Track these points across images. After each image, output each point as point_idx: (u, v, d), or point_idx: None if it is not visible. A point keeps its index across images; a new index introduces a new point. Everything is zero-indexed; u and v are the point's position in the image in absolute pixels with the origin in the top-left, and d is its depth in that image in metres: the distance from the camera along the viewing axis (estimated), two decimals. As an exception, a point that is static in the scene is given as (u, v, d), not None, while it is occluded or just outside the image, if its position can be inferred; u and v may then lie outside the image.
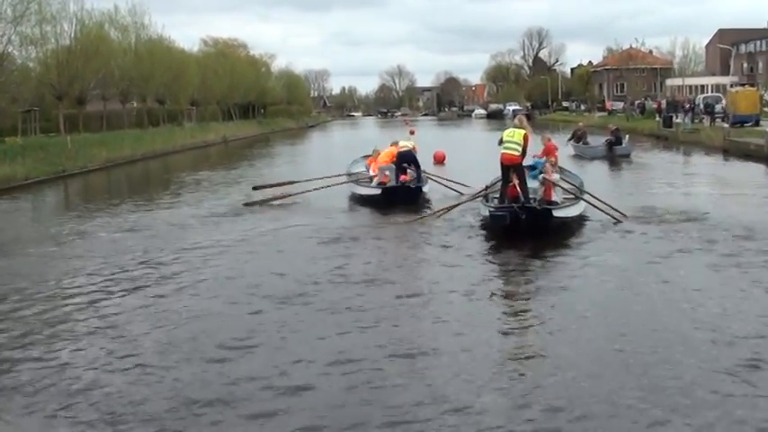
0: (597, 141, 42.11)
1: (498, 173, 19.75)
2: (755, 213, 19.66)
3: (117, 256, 15.91)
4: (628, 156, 39.31)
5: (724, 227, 17.27)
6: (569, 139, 41.08)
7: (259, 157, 50.85)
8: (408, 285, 13.04)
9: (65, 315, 11.55)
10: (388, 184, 23.51)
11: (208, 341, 10.01)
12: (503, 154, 18.18)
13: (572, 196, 19.76)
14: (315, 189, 24.24)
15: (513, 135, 18.16)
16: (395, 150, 24.08)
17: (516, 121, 19.32)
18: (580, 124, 48.19)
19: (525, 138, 18.23)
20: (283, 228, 19.25)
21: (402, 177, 23.49)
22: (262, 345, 9.86)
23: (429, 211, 20.92)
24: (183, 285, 13.22)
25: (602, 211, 18.74)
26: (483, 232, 17.78)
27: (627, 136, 42.47)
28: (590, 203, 19.11)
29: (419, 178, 23.79)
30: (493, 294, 12.50)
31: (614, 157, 38.81)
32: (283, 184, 25.50)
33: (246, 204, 23.54)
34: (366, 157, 28.66)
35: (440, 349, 9.56)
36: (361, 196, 23.60)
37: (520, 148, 18.07)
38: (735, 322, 10.31)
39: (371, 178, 25.07)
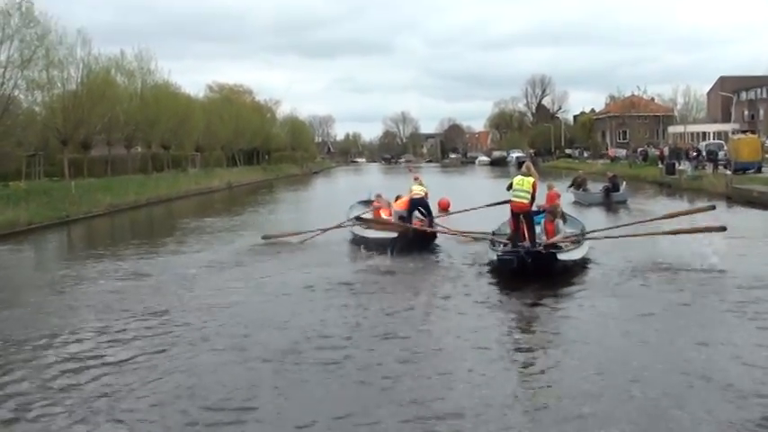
0: (597, 188, 42.62)
1: (502, 219, 21.84)
2: (761, 261, 19.65)
3: (115, 306, 15.76)
4: (624, 202, 39.83)
5: (729, 275, 17.34)
6: (570, 186, 41.55)
7: (263, 204, 50.86)
8: (418, 337, 12.83)
9: (57, 369, 11.37)
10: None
11: (203, 400, 9.72)
12: (513, 202, 19.31)
13: (575, 240, 20.47)
14: (325, 230, 25.55)
15: (523, 183, 19.20)
16: (408, 197, 24.63)
17: (524, 168, 20.26)
18: (580, 172, 49.37)
19: (534, 185, 19.28)
20: (290, 276, 19.15)
21: (415, 223, 24.02)
22: (261, 406, 9.51)
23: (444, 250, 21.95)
24: (183, 338, 12.99)
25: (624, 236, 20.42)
26: (491, 276, 18.40)
27: (624, 183, 42.91)
28: (610, 238, 20.66)
29: (431, 224, 24.28)
30: (501, 344, 12.39)
31: (611, 203, 39.30)
32: (292, 234, 25.71)
33: (265, 237, 25.10)
34: (364, 202, 29.69)
35: (453, 409, 9.28)
36: (374, 240, 23.47)
37: (529, 196, 19.13)
38: (745, 374, 10.22)
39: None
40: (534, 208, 20.40)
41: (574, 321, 13.87)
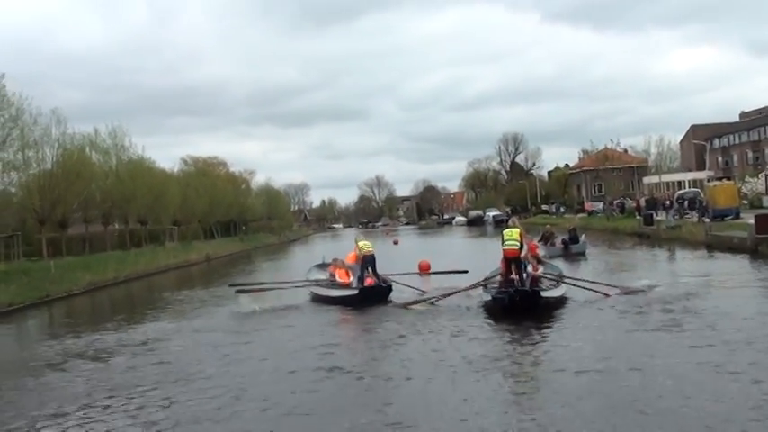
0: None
1: (489, 269, 25.58)
2: (734, 301, 21.17)
3: (94, 389, 15.26)
4: (583, 253, 42.81)
5: (702, 312, 19.18)
6: (539, 240, 42.46)
7: (242, 275, 50.49)
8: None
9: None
10: (354, 284, 26.62)
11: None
12: (506, 249, 22.55)
13: (555, 282, 24.37)
14: (291, 287, 28.56)
15: (512, 234, 22.76)
16: (358, 252, 26.96)
17: (511, 222, 24.97)
18: (547, 226, 52.05)
19: (521, 234, 22.92)
20: (272, 346, 19.15)
21: (368, 281, 26.14)
22: None
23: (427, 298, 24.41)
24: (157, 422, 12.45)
25: (589, 289, 23.23)
26: (486, 314, 21.46)
27: (583, 234, 46.79)
28: (574, 285, 23.83)
29: (378, 278, 26.48)
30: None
31: (570, 254, 42.05)
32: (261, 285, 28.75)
33: (237, 290, 27.57)
34: (319, 265, 33.03)
35: None
36: (335, 298, 26.38)
37: (518, 243, 22.50)
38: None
39: (334, 282, 28.27)
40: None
41: (553, 350, 16.26)
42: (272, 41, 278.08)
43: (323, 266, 32.18)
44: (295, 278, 30.74)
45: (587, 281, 24.17)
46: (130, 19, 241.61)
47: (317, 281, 29.48)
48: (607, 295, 22.60)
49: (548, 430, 10.28)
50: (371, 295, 25.30)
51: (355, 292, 25.85)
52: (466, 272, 27.82)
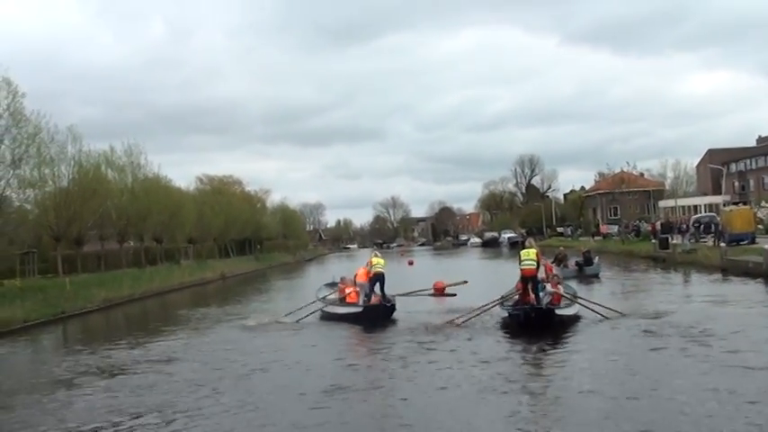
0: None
1: (505, 288, 26.93)
2: (750, 324, 21.23)
3: (106, 406, 15.28)
4: (596, 275, 43.88)
5: (717, 335, 19.34)
6: (552, 262, 42.39)
7: (257, 293, 50.63)
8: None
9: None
10: (361, 302, 27.81)
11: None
12: (523, 269, 23.86)
13: (569, 301, 25.20)
14: (302, 318, 28.02)
15: (529, 254, 23.96)
16: (369, 270, 27.87)
17: (527, 243, 25.68)
18: (561, 248, 52.69)
19: (538, 255, 24.28)
20: (284, 363, 19.27)
21: (374, 299, 27.23)
22: None
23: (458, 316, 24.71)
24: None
25: (595, 312, 23.86)
26: (502, 330, 22.84)
27: (597, 257, 48.34)
28: (586, 307, 24.41)
29: (384, 297, 27.51)
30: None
31: (583, 276, 42.88)
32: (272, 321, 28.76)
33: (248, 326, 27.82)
34: (329, 284, 34.31)
35: None
36: (342, 315, 27.51)
37: (535, 263, 23.84)
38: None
39: (342, 300, 29.18)
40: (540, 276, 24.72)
41: (564, 363, 17.16)
42: (289, 60, 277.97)
43: (333, 285, 33.31)
44: (308, 299, 30.99)
45: (598, 304, 24.58)
46: (147, 36, 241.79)
47: (325, 298, 30.63)
48: (605, 317, 23.48)
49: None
50: (375, 313, 26.54)
51: (360, 309, 27.28)
52: (466, 282, 32.37)
